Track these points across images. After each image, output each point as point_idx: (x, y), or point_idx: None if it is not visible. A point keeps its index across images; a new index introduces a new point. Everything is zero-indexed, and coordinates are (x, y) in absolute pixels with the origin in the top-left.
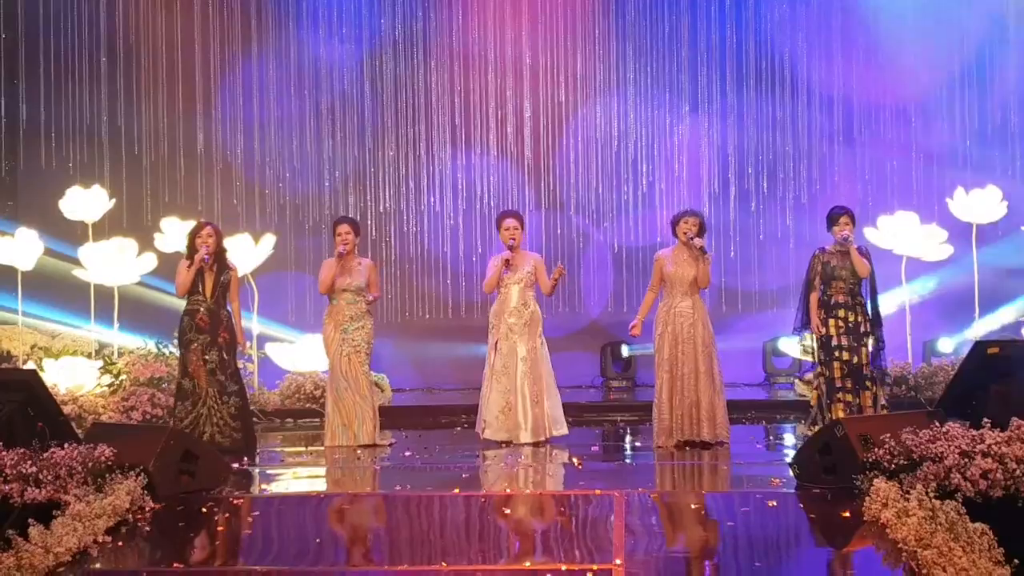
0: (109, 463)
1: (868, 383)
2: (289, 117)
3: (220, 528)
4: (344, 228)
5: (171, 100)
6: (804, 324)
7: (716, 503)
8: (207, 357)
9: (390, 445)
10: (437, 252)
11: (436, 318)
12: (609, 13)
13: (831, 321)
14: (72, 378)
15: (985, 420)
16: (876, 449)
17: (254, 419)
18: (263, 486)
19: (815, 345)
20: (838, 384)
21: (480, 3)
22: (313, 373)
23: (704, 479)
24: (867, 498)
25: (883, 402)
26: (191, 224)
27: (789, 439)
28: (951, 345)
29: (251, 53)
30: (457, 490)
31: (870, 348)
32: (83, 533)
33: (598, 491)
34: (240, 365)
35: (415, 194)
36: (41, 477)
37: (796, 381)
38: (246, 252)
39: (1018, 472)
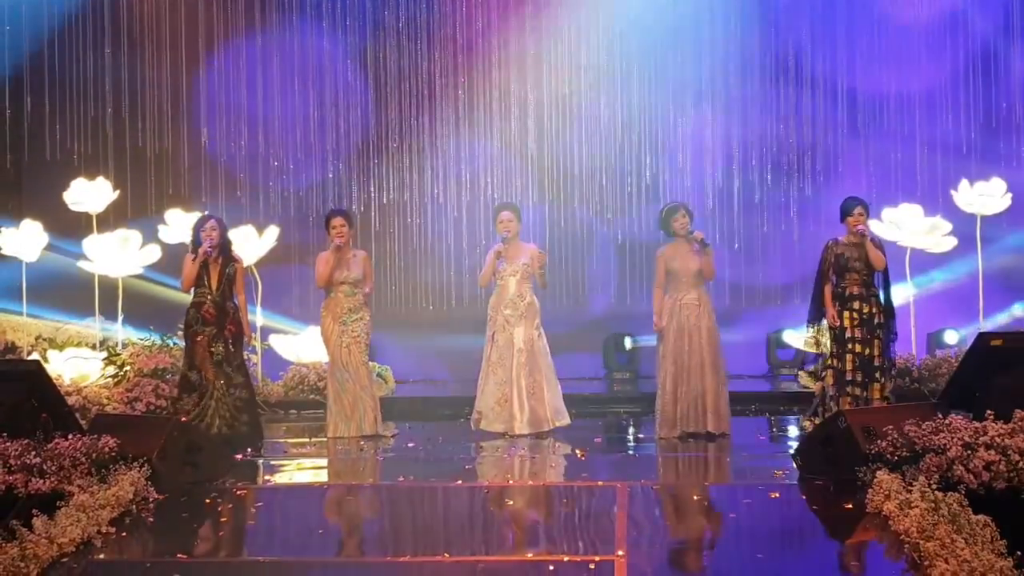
0: (113, 454)
1: (878, 374)
2: (292, 108)
3: (223, 519)
4: (338, 221)
5: (175, 92)
6: (817, 316)
7: (719, 495)
8: (213, 349)
9: (393, 436)
10: (440, 244)
11: (439, 310)
12: (614, 3)
13: (845, 313)
14: (76, 369)
15: (988, 412)
16: (879, 441)
17: (259, 410)
18: (266, 477)
19: (828, 337)
20: (848, 377)
21: None
22: (317, 364)
23: (707, 471)
24: (870, 490)
25: (887, 393)
26: (195, 216)
27: (792, 431)
28: (956, 338)
29: (255, 44)
30: (460, 481)
31: (883, 339)
32: (87, 524)
33: (601, 482)
34: (244, 356)
35: (418, 186)
36: (45, 468)
37: (800, 373)
38: (250, 244)
39: (1021, 464)
